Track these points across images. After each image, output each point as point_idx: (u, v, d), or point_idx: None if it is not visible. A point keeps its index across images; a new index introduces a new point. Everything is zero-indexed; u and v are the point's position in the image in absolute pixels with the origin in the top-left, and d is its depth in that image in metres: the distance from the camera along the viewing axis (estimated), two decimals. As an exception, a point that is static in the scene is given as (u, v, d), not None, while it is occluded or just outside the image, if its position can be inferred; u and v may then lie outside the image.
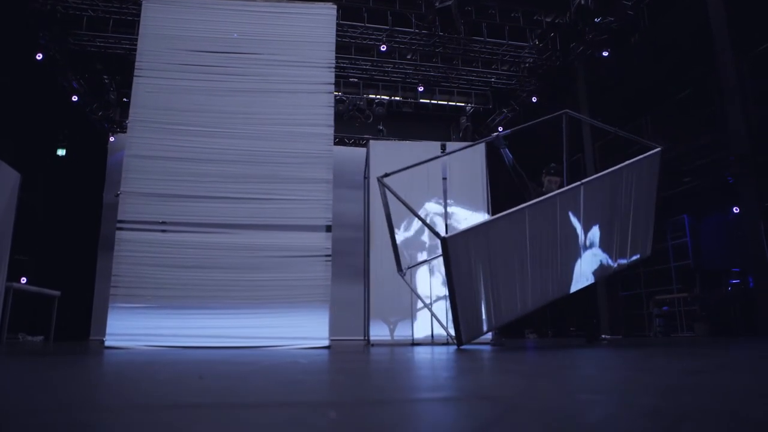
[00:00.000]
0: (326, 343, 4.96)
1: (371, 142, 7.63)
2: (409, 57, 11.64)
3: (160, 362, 2.82)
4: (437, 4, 9.54)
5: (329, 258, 5.22)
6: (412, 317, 6.64)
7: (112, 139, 12.60)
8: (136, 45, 5.73)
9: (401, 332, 6.69)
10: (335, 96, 7.01)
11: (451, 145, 7.58)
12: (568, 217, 4.38)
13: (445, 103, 13.60)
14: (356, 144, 13.55)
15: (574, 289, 4.49)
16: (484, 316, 4.00)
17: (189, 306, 4.99)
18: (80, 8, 9.71)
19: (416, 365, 2.57)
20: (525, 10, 10.85)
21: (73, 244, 11.00)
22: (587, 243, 4.52)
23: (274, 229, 5.29)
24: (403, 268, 5.57)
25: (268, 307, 5.07)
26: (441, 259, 4.40)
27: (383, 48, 10.88)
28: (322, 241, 5.30)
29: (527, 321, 10.96)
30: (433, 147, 7.16)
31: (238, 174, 5.30)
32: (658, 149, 4.89)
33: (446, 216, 7.15)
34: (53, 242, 10.52)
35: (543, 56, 11.28)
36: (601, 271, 4.68)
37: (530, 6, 10.81)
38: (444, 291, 6.20)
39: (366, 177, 7.46)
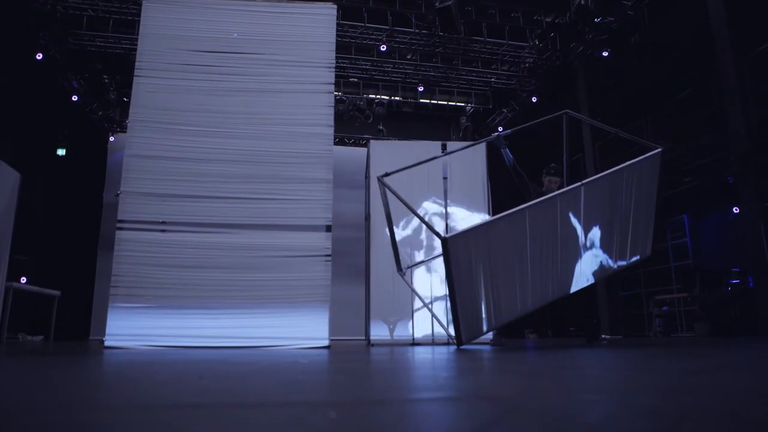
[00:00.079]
0: (326, 343, 4.96)
1: (372, 141, 7.63)
2: (409, 57, 11.64)
3: (160, 362, 2.82)
4: (437, 4, 9.54)
5: (329, 258, 5.22)
6: (413, 317, 6.64)
7: (112, 138, 12.60)
8: (136, 45, 5.73)
9: (402, 332, 6.69)
10: (335, 96, 7.01)
11: (451, 145, 7.57)
12: (569, 217, 4.38)
13: (445, 103, 13.61)
14: (356, 144, 13.55)
15: (574, 289, 4.49)
16: (484, 316, 4.00)
17: (189, 306, 4.99)
18: (80, 8, 9.71)
19: (416, 365, 2.57)
20: (525, 10, 10.86)
21: (73, 244, 11.00)
22: (587, 243, 4.52)
23: (274, 229, 5.29)
24: (403, 268, 5.57)
25: (268, 307, 5.07)
26: (440, 258, 4.40)
27: (383, 48, 10.88)
28: (322, 241, 5.30)
29: (527, 321, 10.96)
30: (433, 147, 7.15)
31: (238, 174, 5.29)
32: (659, 150, 4.89)
33: (447, 216, 7.15)
34: (53, 242, 10.52)
35: (543, 56, 11.28)
36: (601, 272, 4.68)
37: (530, 6, 10.81)
38: (444, 291, 6.20)
39: (367, 177, 7.46)
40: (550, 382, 1.62)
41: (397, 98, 13.23)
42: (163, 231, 5.18)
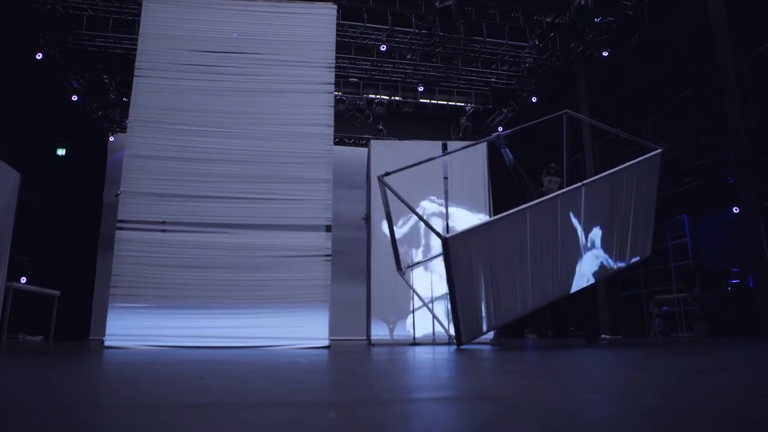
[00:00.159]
0: (326, 343, 4.96)
1: (372, 141, 7.63)
2: (409, 57, 11.64)
3: (160, 362, 2.82)
4: (437, 4, 9.55)
5: (329, 258, 5.22)
6: (414, 317, 6.64)
7: (112, 138, 12.60)
8: (136, 45, 5.73)
9: (402, 332, 6.69)
10: (335, 96, 7.01)
11: (452, 145, 7.57)
12: (569, 217, 4.38)
13: (445, 103, 13.61)
14: (356, 144, 13.56)
15: (574, 289, 4.49)
16: (484, 316, 4.00)
17: (189, 306, 4.99)
18: (80, 8, 9.71)
19: (416, 365, 2.57)
20: (525, 10, 10.86)
21: (73, 243, 11.00)
22: (588, 243, 4.52)
23: (274, 229, 5.29)
24: (403, 268, 5.56)
25: (268, 307, 5.07)
26: (440, 258, 4.40)
27: (383, 48, 10.88)
28: (322, 241, 5.30)
29: (527, 321, 10.96)
30: (434, 146, 7.15)
31: (238, 174, 5.29)
32: (659, 150, 4.89)
33: (447, 216, 7.15)
34: (53, 242, 10.52)
35: (543, 56, 11.28)
36: (601, 272, 4.68)
37: (530, 6, 10.81)
38: (444, 290, 6.20)
39: (368, 177, 7.46)
40: (550, 382, 1.62)
41: (397, 98, 13.23)
42: (163, 231, 5.18)
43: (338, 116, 8.62)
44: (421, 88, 12.74)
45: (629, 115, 10.76)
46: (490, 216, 6.72)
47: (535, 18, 10.94)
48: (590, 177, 4.72)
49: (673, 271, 11.04)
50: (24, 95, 9.57)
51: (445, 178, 7.23)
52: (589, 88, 11.38)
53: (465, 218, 7.07)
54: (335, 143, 5.88)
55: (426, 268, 6.78)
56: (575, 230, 4.43)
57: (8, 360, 3.11)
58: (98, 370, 2.38)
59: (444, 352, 3.73)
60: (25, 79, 9.69)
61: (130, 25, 9.90)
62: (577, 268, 4.48)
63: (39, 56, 9.74)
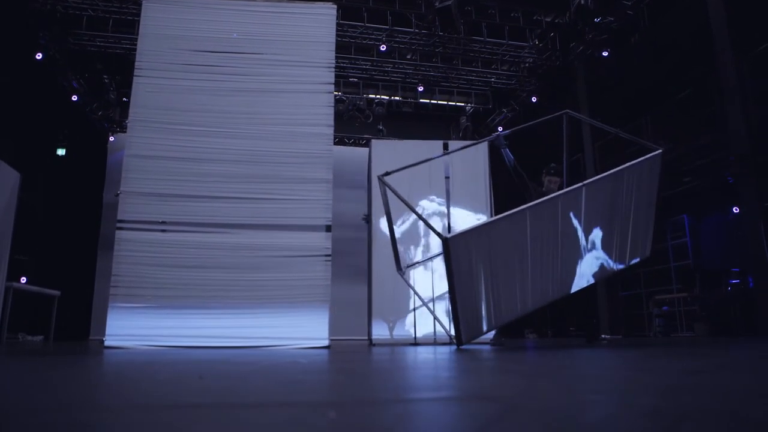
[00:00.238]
0: (326, 343, 4.96)
1: (373, 141, 7.63)
2: (409, 57, 11.64)
3: (160, 362, 2.82)
4: (437, 4, 9.54)
5: (329, 258, 5.22)
6: (415, 317, 6.65)
7: (112, 138, 12.60)
8: (136, 45, 5.73)
9: (403, 332, 6.70)
10: (335, 96, 7.01)
11: (453, 145, 7.56)
12: (569, 218, 4.38)
13: (445, 103, 13.61)
14: (356, 144, 13.56)
15: (574, 289, 4.49)
16: (484, 316, 4.00)
17: (189, 306, 4.99)
18: (80, 8, 9.71)
19: (416, 365, 2.57)
20: (525, 10, 10.86)
21: (73, 243, 11.00)
22: (588, 244, 4.52)
23: (274, 229, 5.29)
24: (403, 267, 5.56)
25: (268, 307, 5.07)
26: (440, 257, 4.40)
27: (383, 48, 10.88)
28: (322, 241, 5.30)
29: (527, 321, 10.96)
30: (436, 146, 7.15)
31: (238, 174, 5.29)
32: (660, 151, 4.89)
33: (449, 216, 7.15)
34: (53, 242, 10.52)
35: (543, 56, 11.28)
36: (601, 272, 4.68)
37: (530, 6, 10.81)
38: (444, 290, 6.20)
39: (369, 176, 7.47)
40: (550, 382, 1.62)
41: (397, 98, 13.23)
42: (163, 231, 5.18)
43: (338, 116, 8.62)
44: (421, 88, 12.74)
45: (629, 115, 10.76)
46: (492, 216, 6.73)
47: (535, 18, 10.94)
48: (590, 177, 4.72)
49: (673, 271, 11.04)
50: (24, 95, 9.57)
51: (447, 177, 7.23)
52: (589, 88, 11.38)
53: (464, 218, 7.07)
54: (335, 143, 5.88)
55: (426, 268, 6.78)
56: (575, 230, 4.43)
57: (8, 360, 3.11)
58: (98, 370, 2.38)
59: (444, 352, 3.73)
60: (25, 79, 9.69)
61: (130, 25, 9.90)
62: (577, 269, 4.48)
63: (39, 56, 9.74)
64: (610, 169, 4.68)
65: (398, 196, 4.48)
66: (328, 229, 5.32)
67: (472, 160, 7.24)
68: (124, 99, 11.33)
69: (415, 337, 6.56)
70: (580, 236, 4.45)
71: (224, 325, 4.96)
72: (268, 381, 1.77)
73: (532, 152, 8.46)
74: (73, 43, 10.36)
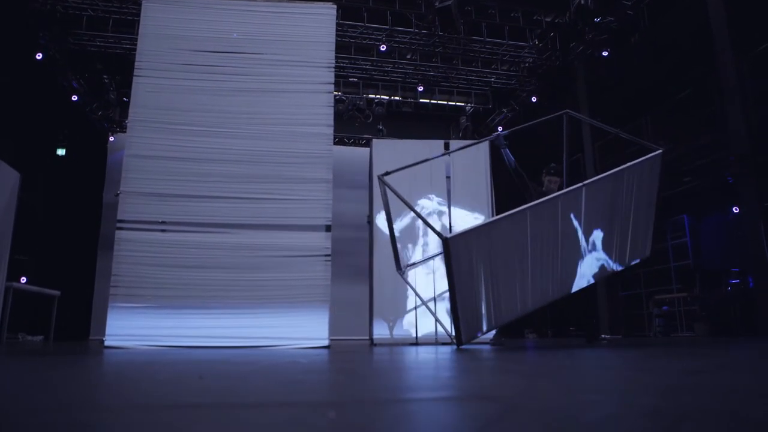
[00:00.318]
0: (326, 342, 4.96)
1: (374, 140, 7.64)
2: (408, 57, 11.64)
3: (160, 362, 2.82)
4: (437, 3, 9.54)
5: (329, 258, 5.23)
6: (416, 316, 6.65)
7: (111, 138, 12.60)
8: (136, 45, 5.73)
9: (405, 332, 6.70)
10: (335, 96, 7.01)
11: (454, 144, 7.57)
12: (569, 218, 4.38)
13: (445, 103, 13.61)
14: (356, 144, 13.56)
15: (574, 289, 4.49)
16: (484, 316, 4.00)
17: (189, 306, 4.99)
18: (80, 8, 9.71)
19: (416, 365, 2.57)
20: (525, 10, 10.85)
21: (73, 243, 11.00)
22: (588, 244, 4.52)
23: (274, 229, 5.29)
24: (402, 267, 5.56)
25: (268, 306, 5.07)
26: (440, 257, 4.39)
27: (383, 48, 10.88)
28: (322, 241, 5.30)
29: (527, 321, 10.96)
30: (437, 146, 7.16)
31: (238, 174, 5.29)
32: (660, 151, 4.89)
33: (450, 215, 7.15)
34: (53, 242, 10.52)
35: (543, 56, 11.28)
36: (600, 272, 4.69)
37: (530, 6, 10.81)
38: (444, 289, 6.20)
39: (370, 176, 7.47)
40: (550, 382, 1.62)
41: (397, 98, 13.23)
42: (163, 231, 5.18)
43: (338, 116, 8.62)
44: (420, 88, 12.74)
45: (629, 115, 10.75)
46: (493, 215, 6.73)
47: (534, 18, 10.94)
48: (590, 177, 4.72)
49: (673, 271, 11.04)
50: (24, 95, 9.57)
51: (448, 177, 7.23)
52: (589, 88, 11.38)
53: (463, 218, 7.07)
54: (335, 143, 5.88)
55: (427, 267, 6.78)
56: (575, 231, 4.43)
57: (8, 360, 3.11)
58: (98, 370, 2.38)
59: (444, 352, 3.73)
60: (25, 79, 9.69)
61: (130, 25, 9.90)
62: (578, 269, 4.48)
63: (39, 56, 9.74)
64: (610, 169, 4.68)
65: (398, 196, 4.48)
66: (328, 229, 5.32)
67: (473, 159, 7.24)
68: (124, 99, 11.33)
69: (417, 337, 6.57)
70: (580, 236, 4.45)
71: (224, 325, 4.96)
72: (268, 381, 1.77)
73: (532, 152, 8.46)
74: (73, 43, 10.36)
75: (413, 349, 4.70)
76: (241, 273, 5.11)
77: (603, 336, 6.94)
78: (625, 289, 11.86)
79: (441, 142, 7.47)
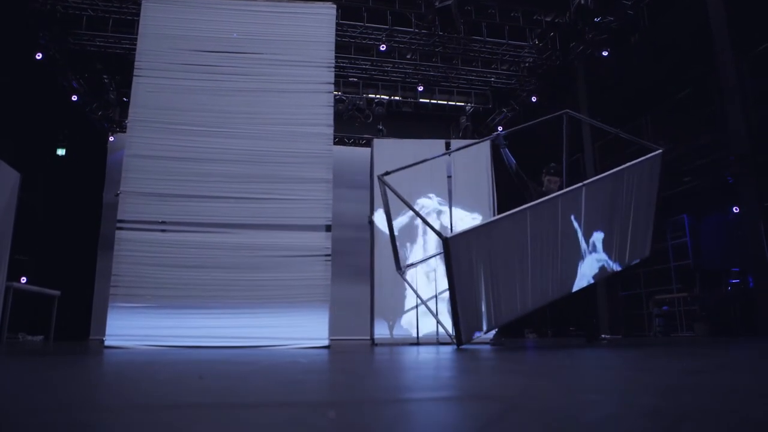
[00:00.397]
0: (326, 342, 4.96)
1: (375, 140, 7.63)
2: (408, 57, 11.64)
3: (160, 362, 2.82)
4: (437, 3, 9.54)
5: (329, 258, 5.23)
6: (417, 317, 6.65)
7: (111, 138, 12.60)
8: (136, 45, 5.73)
9: (406, 332, 6.70)
10: (335, 96, 7.01)
11: (456, 144, 7.57)
12: (569, 218, 4.38)
13: (445, 102, 13.60)
14: (356, 144, 13.56)
15: (574, 289, 4.49)
16: (484, 316, 4.01)
17: (189, 306, 4.99)
18: (80, 8, 9.70)
19: (416, 365, 2.57)
20: (525, 10, 10.85)
21: (73, 243, 11.00)
22: (588, 244, 4.52)
23: (274, 229, 5.29)
24: (402, 267, 5.56)
25: (268, 306, 5.07)
26: (440, 256, 4.39)
27: (383, 48, 10.87)
28: (322, 241, 5.30)
29: (527, 321, 10.95)
30: (438, 145, 7.16)
31: (238, 173, 5.29)
32: (660, 151, 4.89)
33: (451, 215, 7.15)
34: (53, 242, 10.52)
35: (543, 56, 11.27)
36: (600, 272, 4.69)
37: (530, 6, 10.80)
38: (444, 289, 6.20)
39: (371, 176, 7.47)
40: (550, 382, 1.62)
41: (397, 98, 13.23)
42: (163, 231, 5.18)
43: (338, 116, 8.61)
44: (420, 88, 12.73)
45: (629, 114, 10.75)
46: (494, 215, 6.73)
47: (534, 18, 10.93)
48: (590, 177, 4.72)
49: (673, 271, 11.04)
50: (24, 95, 9.57)
51: (449, 177, 7.23)
52: (589, 87, 11.38)
53: (461, 218, 7.08)
54: (335, 143, 5.88)
55: (427, 266, 6.78)
56: (575, 230, 4.44)
57: (8, 360, 3.11)
58: (98, 370, 2.38)
59: (445, 352, 3.74)
60: (25, 79, 9.69)
61: (130, 25, 9.89)
62: (577, 269, 4.48)
63: (39, 56, 9.74)
64: (610, 169, 4.68)
65: (398, 196, 4.48)
66: (328, 229, 5.32)
67: (475, 159, 7.24)
68: (124, 99, 11.32)
69: (418, 337, 6.57)
70: (580, 236, 4.45)
71: (224, 325, 4.96)
72: (268, 381, 1.77)
73: (532, 152, 8.46)
74: (73, 43, 10.36)
75: (414, 349, 4.70)
76: (241, 273, 5.11)
77: (603, 336, 6.94)
78: (625, 289, 11.86)
79: (442, 142, 7.47)
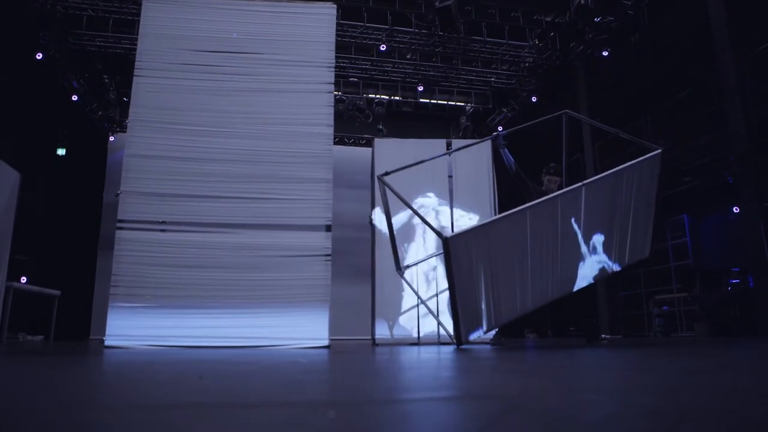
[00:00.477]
0: (326, 342, 4.96)
1: (376, 140, 7.63)
2: (408, 57, 11.64)
3: (160, 362, 2.82)
4: (437, 3, 9.54)
5: (329, 258, 5.22)
6: (418, 317, 6.65)
7: (111, 138, 12.60)
8: (136, 44, 5.73)
9: (407, 332, 6.70)
10: (335, 95, 7.01)
11: (456, 144, 7.57)
12: (569, 217, 4.38)
13: (445, 102, 13.60)
14: (356, 144, 13.56)
15: (573, 289, 4.49)
16: (484, 316, 4.01)
17: (189, 306, 4.99)
18: (80, 8, 9.70)
19: (416, 364, 2.57)
20: (525, 10, 10.85)
21: (73, 243, 11.00)
22: (587, 244, 4.52)
23: (274, 229, 5.29)
24: (402, 267, 5.56)
25: (268, 306, 5.07)
26: (440, 256, 4.39)
27: (383, 48, 10.87)
28: (322, 241, 5.30)
29: (527, 321, 10.96)
30: (439, 145, 7.16)
31: (238, 173, 5.29)
32: (659, 150, 4.89)
33: (452, 215, 7.15)
34: (53, 242, 10.52)
35: (543, 56, 11.27)
36: (600, 272, 4.69)
37: (530, 5, 10.80)
38: (444, 289, 6.19)
39: (372, 175, 7.46)
40: (550, 382, 1.62)
41: (397, 98, 13.23)
42: (163, 231, 5.18)
43: (338, 116, 8.61)
44: (420, 88, 12.73)
45: (629, 114, 10.75)
46: (496, 215, 6.73)
47: (534, 18, 10.93)
48: (590, 177, 4.73)
49: (673, 271, 11.03)
50: (24, 95, 9.57)
51: (450, 177, 7.23)
52: (589, 87, 11.37)
53: (459, 219, 7.08)
54: (335, 143, 5.88)
55: (428, 266, 6.78)
56: (575, 230, 4.44)
57: (8, 360, 3.11)
58: (98, 370, 2.38)
59: (445, 352, 3.74)
60: (25, 79, 9.69)
61: (130, 25, 9.89)
62: (577, 268, 4.48)
63: (39, 56, 9.74)
64: (609, 169, 4.68)
65: (398, 197, 4.48)
66: (328, 228, 5.32)
67: (476, 159, 7.24)
68: (124, 99, 11.32)
69: (419, 337, 6.57)
70: (579, 236, 4.45)
71: (224, 324, 4.96)
72: (268, 381, 1.77)
73: (531, 152, 8.46)
74: (73, 43, 10.36)
75: (414, 348, 4.70)
76: (241, 273, 5.11)
77: (603, 336, 6.94)
78: (625, 289, 11.86)
79: (443, 142, 7.47)
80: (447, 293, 4.39)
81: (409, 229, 7.00)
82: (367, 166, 7.90)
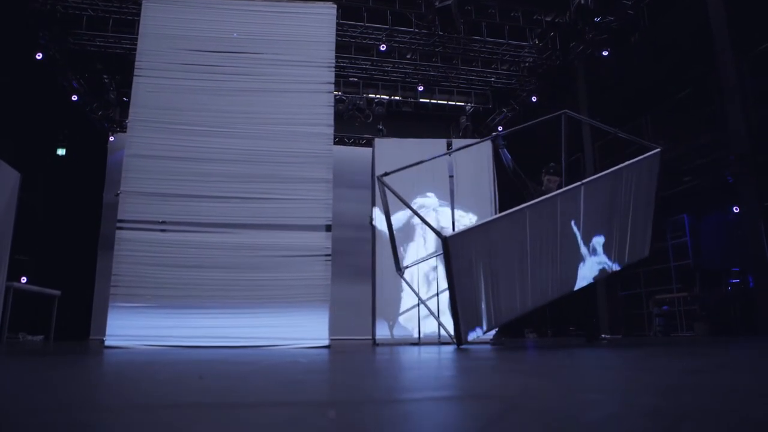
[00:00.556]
0: (326, 342, 4.96)
1: (377, 140, 7.63)
2: (408, 56, 11.64)
3: (160, 362, 2.82)
4: (437, 3, 9.54)
5: (329, 257, 5.23)
6: (419, 316, 6.64)
7: (111, 138, 12.60)
8: (136, 44, 5.73)
9: (407, 332, 6.70)
10: (335, 95, 7.01)
11: (457, 144, 7.56)
12: (568, 217, 4.38)
13: (445, 102, 13.60)
14: (356, 144, 13.56)
15: (573, 288, 4.49)
16: (484, 316, 4.01)
17: (189, 306, 4.99)
18: (80, 8, 9.70)
19: (416, 364, 2.57)
20: (525, 10, 10.85)
21: (73, 243, 11.00)
22: (587, 245, 4.52)
23: (274, 229, 5.29)
24: (402, 268, 5.56)
25: (268, 306, 5.07)
26: (440, 256, 4.39)
27: (383, 47, 10.87)
28: (322, 241, 5.30)
29: (527, 320, 10.96)
30: (439, 145, 7.16)
31: (238, 173, 5.29)
32: (658, 150, 4.89)
33: (453, 215, 7.15)
34: (53, 242, 10.52)
35: (543, 56, 11.27)
36: (600, 272, 4.69)
37: (530, 5, 10.80)
38: (444, 289, 6.19)
39: (372, 175, 7.46)
40: (550, 382, 1.62)
41: (397, 98, 13.23)
42: (163, 231, 5.18)
43: (338, 116, 8.61)
44: (421, 88, 12.73)
45: (629, 114, 10.75)
46: (495, 214, 6.73)
47: (534, 17, 10.93)
48: (590, 177, 4.73)
49: (673, 271, 11.03)
50: (24, 95, 9.57)
51: (451, 176, 7.23)
52: (589, 87, 11.37)
53: (458, 218, 7.08)
54: (335, 143, 5.88)
55: (427, 266, 6.78)
56: (575, 230, 4.44)
57: (8, 360, 3.11)
58: (98, 370, 2.38)
59: (445, 352, 3.74)
60: (25, 79, 9.69)
61: (130, 24, 9.89)
62: (577, 267, 4.48)
63: (39, 56, 9.74)
64: (609, 169, 4.68)
65: (398, 197, 4.48)
66: (328, 228, 5.32)
67: (476, 159, 7.24)
68: (124, 99, 11.32)
69: (419, 337, 6.56)
70: (579, 236, 4.45)
71: (224, 324, 4.96)
72: (268, 381, 1.77)
73: (531, 152, 8.46)
74: (73, 43, 10.36)
75: (414, 348, 4.70)
76: (241, 273, 5.11)
77: (603, 336, 6.94)
78: (625, 288, 11.85)
79: (443, 142, 7.47)
80: (447, 293, 4.39)
81: (409, 229, 7.00)
82: (367, 166, 7.90)
